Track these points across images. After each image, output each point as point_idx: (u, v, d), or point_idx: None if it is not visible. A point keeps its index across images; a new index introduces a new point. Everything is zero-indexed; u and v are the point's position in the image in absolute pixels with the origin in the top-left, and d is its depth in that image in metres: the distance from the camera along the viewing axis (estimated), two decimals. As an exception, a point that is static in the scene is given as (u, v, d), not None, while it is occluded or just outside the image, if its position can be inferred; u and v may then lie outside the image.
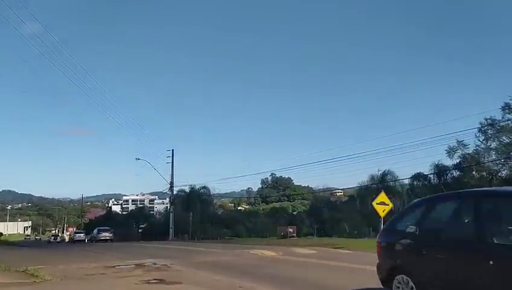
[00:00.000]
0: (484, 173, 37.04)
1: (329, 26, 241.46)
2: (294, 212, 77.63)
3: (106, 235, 46.13)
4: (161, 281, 9.46)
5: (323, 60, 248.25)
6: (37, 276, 9.80)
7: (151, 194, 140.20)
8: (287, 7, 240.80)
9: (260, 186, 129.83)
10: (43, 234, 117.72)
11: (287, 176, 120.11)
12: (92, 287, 8.82)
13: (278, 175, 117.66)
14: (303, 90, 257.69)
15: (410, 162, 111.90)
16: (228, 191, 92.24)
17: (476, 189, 7.94)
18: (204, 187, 57.38)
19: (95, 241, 44.79)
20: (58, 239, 71.46)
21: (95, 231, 49.71)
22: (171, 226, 48.97)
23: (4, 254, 20.13)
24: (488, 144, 34.78)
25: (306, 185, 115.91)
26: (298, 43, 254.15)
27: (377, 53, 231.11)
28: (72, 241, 54.95)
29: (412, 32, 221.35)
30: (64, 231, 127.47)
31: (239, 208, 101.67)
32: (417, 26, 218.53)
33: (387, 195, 24.99)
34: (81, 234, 58.65)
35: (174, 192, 52.70)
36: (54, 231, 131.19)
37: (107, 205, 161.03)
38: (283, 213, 71.84)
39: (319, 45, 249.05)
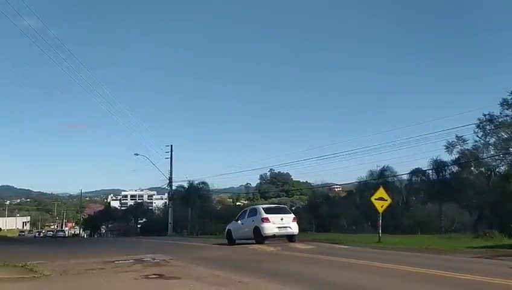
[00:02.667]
0: (483, 169, 37.16)
1: (335, 25, 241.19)
2: (293, 208, 77.72)
3: (61, 233, 74.99)
4: (160, 276, 9.46)
5: (322, 57, 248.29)
6: (36, 271, 9.78)
7: (150, 189, 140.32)
8: (283, 8, 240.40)
9: (259, 181, 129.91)
10: (41, 229, 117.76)
11: (285, 172, 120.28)
12: (92, 282, 8.82)
13: (276, 171, 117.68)
14: (301, 86, 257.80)
15: (409, 158, 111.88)
16: (227, 187, 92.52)
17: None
18: (203, 183, 57.45)
19: (55, 237, 62.75)
20: (42, 234, 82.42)
21: (55, 231, 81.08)
22: (169, 221, 49.01)
23: (2, 250, 20.14)
24: (487, 139, 34.81)
25: (304, 181, 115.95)
26: (297, 42, 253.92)
27: (377, 50, 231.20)
28: (45, 237, 72.72)
29: (413, 29, 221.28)
30: (63, 227, 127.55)
31: (238, 203, 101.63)
32: (417, 23, 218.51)
33: (385, 190, 25.06)
34: (51, 232, 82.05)
35: (173, 187, 52.70)
36: (52, 226, 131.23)
37: (106, 200, 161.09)
38: (282, 208, 71.78)
39: (318, 42, 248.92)
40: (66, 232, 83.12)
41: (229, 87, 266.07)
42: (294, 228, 19.86)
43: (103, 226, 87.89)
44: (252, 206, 23.92)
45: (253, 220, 20.15)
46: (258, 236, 19.42)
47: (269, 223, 19.25)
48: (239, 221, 21.68)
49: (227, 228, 23.08)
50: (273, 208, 21.72)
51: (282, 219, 19.72)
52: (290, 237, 20.00)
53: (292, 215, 20.46)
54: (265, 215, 19.59)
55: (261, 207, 21.33)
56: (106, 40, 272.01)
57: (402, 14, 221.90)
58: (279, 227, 19.43)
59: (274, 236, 19.76)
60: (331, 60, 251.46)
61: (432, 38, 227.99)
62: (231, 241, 21.70)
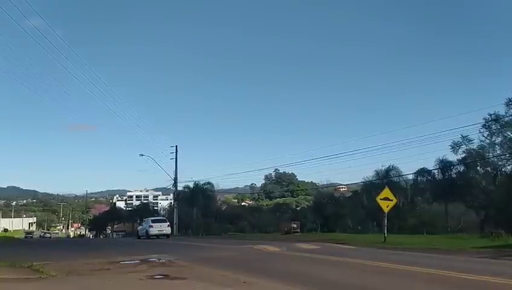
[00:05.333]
0: (489, 168, 36.87)
1: (336, 25, 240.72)
2: (298, 208, 77.60)
3: (48, 235, 78.99)
4: (166, 276, 9.50)
5: (327, 57, 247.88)
6: (42, 272, 9.83)
7: (155, 190, 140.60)
8: (285, 8, 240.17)
9: (264, 182, 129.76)
10: (48, 230, 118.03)
11: (290, 172, 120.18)
12: (98, 283, 8.87)
13: (281, 171, 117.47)
14: (306, 86, 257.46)
15: (415, 158, 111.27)
16: (232, 187, 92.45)
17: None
18: (208, 183, 57.43)
19: (43, 238, 67.76)
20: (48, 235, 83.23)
21: (39, 234, 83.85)
22: (175, 222, 49.00)
23: (8, 250, 20.27)
24: (493, 139, 34.57)
25: (309, 181, 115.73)
26: (300, 43, 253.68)
27: (382, 49, 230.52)
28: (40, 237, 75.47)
29: (418, 29, 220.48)
30: (69, 227, 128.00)
31: (243, 203, 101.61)
32: (423, 23, 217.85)
33: (391, 190, 24.94)
34: (42, 233, 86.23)
35: (178, 188, 52.77)
36: (58, 227, 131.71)
37: (111, 200, 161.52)
38: (287, 209, 71.81)
39: (323, 42, 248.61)
40: (51, 234, 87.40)
41: (234, 88, 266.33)
42: (168, 231, 35.07)
43: (109, 227, 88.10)
44: (147, 218, 39.28)
45: (146, 226, 35.58)
46: (148, 235, 33.73)
47: (153, 228, 34.04)
48: (142, 225, 38.08)
49: (137, 228, 40.26)
50: (157, 219, 36.97)
51: (161, 226, 34.67)
52: (167, 236, 34.20)
53: (167, 223, 36.11)
54: (151, 224, 34.57)
55: (150, 219, 36.48)
56: (111, 41, 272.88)
57: (407, 13, 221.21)
58: (159, 230, 34.06)
59: (156, 236, 33.37)
60: (336, 60, 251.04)
61: (437, 37, 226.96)
62: (138, 237, 36.16)
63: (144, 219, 39.20)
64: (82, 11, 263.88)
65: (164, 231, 34.25)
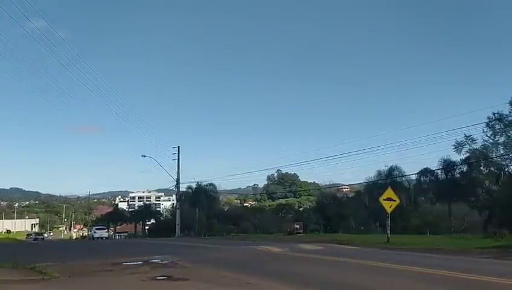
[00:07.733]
0: (492, 168, 36.75)
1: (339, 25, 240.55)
2: (301, 209, 77.53)
3: (38, 237, 77.54)
4: (168, 277, 9.48)
5: (331, 57, 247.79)
6: (45, 273, 9.82)
7: (158, 191, 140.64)
8: (290, 8, 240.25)
9: (266, 182, 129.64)
10: (50, 231, 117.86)
11: (293, 172, 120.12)
12: (100, 284, 8.86)
13: (284, 171, 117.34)
14: (310, 87, 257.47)
15: (418, 158, 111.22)
16: (234, 188, 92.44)
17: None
18: (210, 184, 57.43)
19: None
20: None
21: (33, 236, 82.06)
22: (177, 222, 49.04)
23: (12, 251, 20.28)
24: (496, 138, 34.45)
25: (312, 181, 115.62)
26: (304, 42, 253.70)
27: (387, 51, 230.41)
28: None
29: (423, 29, 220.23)
30: (72, 228, 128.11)
31: (245, 204, 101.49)
32: (426, 25, 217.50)
33: (394, 191, 24.86)
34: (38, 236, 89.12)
35: (181, 189, 52.70)
36: (60, 228, 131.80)
37: (113, 202, 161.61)
38: (289, 209, 71.73)
39: (326, 42, 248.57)
40: (45, 235, 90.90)
41: (237, 88, 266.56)
42: (106, 235, 51.76)
43: (111, 228, 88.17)
44: (93, 227, 59.57)
45: (92, 232, 52.91)
46: (93, 238, 49.03)
47: (96, 233, 50.43)
48: (90, 231, 57.60)
49: (90, 232, 59.36)
50: (99, 228, 53.81)
51: (101, 231, 51.13)
52: (106, 237, 50.01)
53: (106, 230, 54.89)
54: (95, 231, 51.91)
55: (94, 227, 55.04)
56: (113, 42, 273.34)
57: (411, 15, 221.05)
58: (100, 234, 49.59)
59: (99, 237, 48.12)
60: (338, 62, 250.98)
61: (441, 37, 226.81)
62: (89, 239, 52.59)
63: (92, 227, 58.99)
64: (84, 12, 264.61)
65: (103, 235, 50.43)
